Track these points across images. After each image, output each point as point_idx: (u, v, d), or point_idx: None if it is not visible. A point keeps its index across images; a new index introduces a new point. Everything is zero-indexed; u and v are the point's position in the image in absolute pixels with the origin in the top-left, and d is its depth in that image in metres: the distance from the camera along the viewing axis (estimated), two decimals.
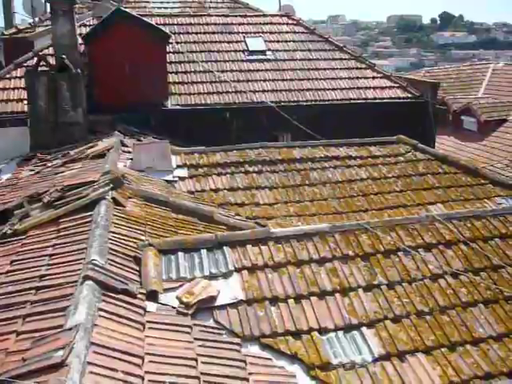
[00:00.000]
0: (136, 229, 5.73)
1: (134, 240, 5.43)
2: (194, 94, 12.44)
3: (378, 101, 13.11)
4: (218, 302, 4.80)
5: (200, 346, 4.13)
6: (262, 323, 4.69)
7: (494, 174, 11.31)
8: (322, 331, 4.73)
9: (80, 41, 11.65)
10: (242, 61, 13.58)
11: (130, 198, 6.55)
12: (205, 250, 5.41)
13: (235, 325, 4.62)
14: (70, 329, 3.57)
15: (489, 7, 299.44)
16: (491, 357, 4.74)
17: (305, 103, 12.70)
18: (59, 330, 3.65)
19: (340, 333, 4.76)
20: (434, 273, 5.53)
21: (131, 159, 8.60)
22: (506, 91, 24.84)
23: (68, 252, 5.04)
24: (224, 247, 5.47)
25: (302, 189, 8.59)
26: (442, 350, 4.75)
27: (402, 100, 13.25)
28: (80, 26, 12.89)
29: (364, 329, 4.83)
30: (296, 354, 4.48)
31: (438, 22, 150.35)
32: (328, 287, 5.18)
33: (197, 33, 14.25)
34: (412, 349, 4.70)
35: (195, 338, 4.22)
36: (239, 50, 13.87)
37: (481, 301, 5.30)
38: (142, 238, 5.55)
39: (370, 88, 13.40)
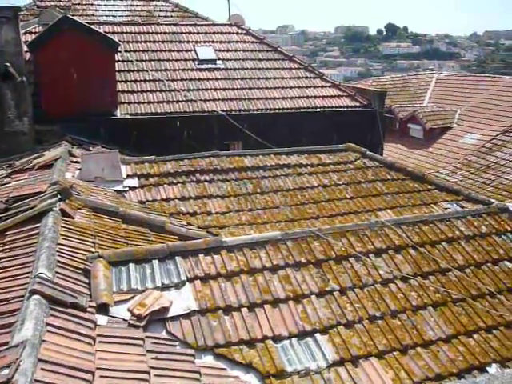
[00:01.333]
0: (85, 240, 5.60)
1: (83, 252, 5.30)
2: (143, 103, 12.32)
3: (327, 109, 13.31)
4: (171, 313, 4.74)
5: (153, 358, 4.06)
6: (216, 333, 4.65)
7: (439, 179, 11.65)
8: (276, 339, 4.74)
9: (25, 48, 11.37)
10: (192, 70, 13.56)
11: (78, 209, 6.40)
12: (156, 261, 5.33)
13: (188, 336, 4.57)
14: (17, 345, 3.45)
15: (431, 19, 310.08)
16: (441, 358, 4.85)
17: (255, 112, 12.76)
18: (5, 347, 3.52)
19: (294, 340, 4.77)
20: (385, 277, 5.64)
21: (80, 169, 8.42)
22: (449, 100, 25.69)
23: (14, 266, 4.87)
24: (176, 257, 5.41)
25: (253, 197, 8.60)
26: (394, 353, 4.83)
27: (350, 108, 13.50)
28: (25, 33, 12.60)
29: (318, 335, 4.86)
30: (251, 362, 4.46)
31: (384, 32, 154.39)
32: (281, 295, 5.19)
33: (146, 41, 14.15)
34: (365, 353, 4.76)
35: (148, 351, 4.14)
36: (189, 59, 13.85)
37: (430, 304, 5.43)
38: (92, 249, 5.43)
39: (319, 97, 13.60)
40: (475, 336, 5.17)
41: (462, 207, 8.34)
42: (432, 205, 8.74)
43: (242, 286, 5.20)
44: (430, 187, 9.27)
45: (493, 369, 4.84)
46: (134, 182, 8.46)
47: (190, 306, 4.85)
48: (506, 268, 6.11)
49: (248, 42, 14.90)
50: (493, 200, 8.46)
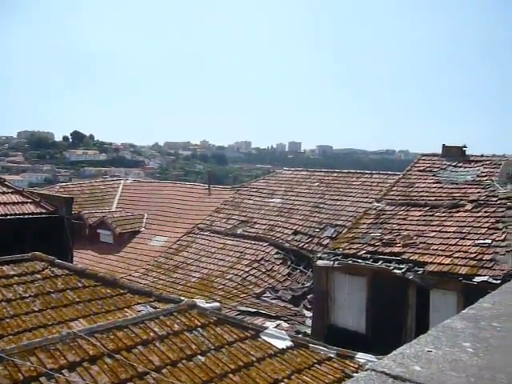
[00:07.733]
0: None
1: None
2: None
3: (9, 217, 12.46)
4: None
5: None
6: None
7: (132, 282, 11.76)
8: None
9: None
10: None
11: None
12: None
13: None
14: None
15: (116, 129, 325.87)
16: None
17: None
18: None
19: None
20: None
21: None
22: (136, 205, 26.82)
23: None
24: None
25: None
26: None
27: (36, 215, 12.89)
28: None
29: None
30: None
31: (70, 139, 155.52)
32: None
33: None
34: None
35: None
36: None
37: None
38: None
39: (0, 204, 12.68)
40: None
41: (155, 308, 8.48)
42: (126, 309, 8.67)
43: None
44: (122, 291, 9.22)
45: None
46: None
47: None
48: (200, 362, 6.34)
49: None
50: (183, 298, 8.84)
